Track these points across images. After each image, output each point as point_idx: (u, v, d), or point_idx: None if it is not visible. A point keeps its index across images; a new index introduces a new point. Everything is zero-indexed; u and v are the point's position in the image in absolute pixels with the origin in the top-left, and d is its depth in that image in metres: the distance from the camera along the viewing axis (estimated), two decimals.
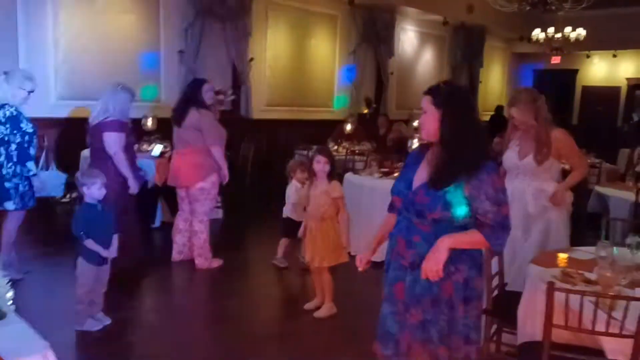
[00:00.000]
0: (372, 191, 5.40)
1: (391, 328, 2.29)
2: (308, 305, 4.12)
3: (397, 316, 2.26)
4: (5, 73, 4.24)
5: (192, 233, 4.99)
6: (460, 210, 2.11)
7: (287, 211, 4.99)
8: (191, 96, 4.85)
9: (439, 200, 2.11)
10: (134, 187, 4.50)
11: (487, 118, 13.68)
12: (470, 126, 2.15)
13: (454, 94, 2.17)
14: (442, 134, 2.14)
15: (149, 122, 6.86)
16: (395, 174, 5.75)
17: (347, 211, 3.92)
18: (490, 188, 2.08)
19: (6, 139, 4.13)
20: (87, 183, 3.57)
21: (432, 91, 2.18)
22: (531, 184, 3.54)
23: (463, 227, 2.14)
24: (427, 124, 2.19)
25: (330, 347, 3.64)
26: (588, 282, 2.54)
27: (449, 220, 2.12)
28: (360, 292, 4.49)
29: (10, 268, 4.39)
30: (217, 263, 5.05)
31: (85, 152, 6.29)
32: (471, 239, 2.14)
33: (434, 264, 2.08)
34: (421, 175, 2.23)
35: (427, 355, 2.22)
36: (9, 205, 4.22)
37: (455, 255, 2.14)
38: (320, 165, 3.80)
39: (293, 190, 4.87)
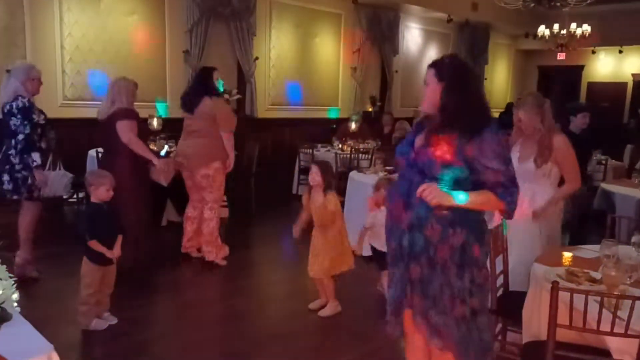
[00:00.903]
0: None
1: (401, 293, 2.31)
2: (313, 305, 4.13)
3: (403, 276, 2.29)
4: (8, 71, 4.28)
5: (201, 220, 5.03)
6: (461, 172, 2.13)
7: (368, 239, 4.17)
8: (203, 84, 4.87)
9: (438, 160, 2.14)
10: (159, 164, 4.54)
11: (492, 115, 13.61)
12: (472, 98, 2.18)
13: (456, 67, 2.21)
14: (442, 105, 2.18)
15: (155, 122, 6.88)
16: None
17: (343, 223, 3.99)
18: (497, 146, 2.12)
19: (17, 130, 4.16)
20: (94, 183, 3.58)
21: (436, 64, 2.23)
22: (530, 187, 3.55)
23: (463, 189, 2.15)
24: (428, 95, 2.24)
25: (337, 346, 3.64)
26: (593, 281, 2.53)
27: (449, 180, 2.14)
28: (366, 292, 4.50)
29: (27, 266, 4.42)
30: (223, 252, 5.08)
31: (92, 152, 6.33)
32: (486, 197, 2.15)
33: (436, 195, 2.10)
34: (422, 138, 2.28)
35: (422, 318, 2.25)
36: (18, 195, 4.26)
37: (455, 218, 2.15)
38: (312, 176, 3.87)
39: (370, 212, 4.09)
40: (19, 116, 4.13)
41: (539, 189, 3.52)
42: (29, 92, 4.26)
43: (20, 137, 4.16)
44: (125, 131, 4.38)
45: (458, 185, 2.14)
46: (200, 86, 4.90)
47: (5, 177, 4.23)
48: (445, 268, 2.18)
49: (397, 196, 2.28)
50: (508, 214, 2.21)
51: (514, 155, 3.63)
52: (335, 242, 3.93)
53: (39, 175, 4.28)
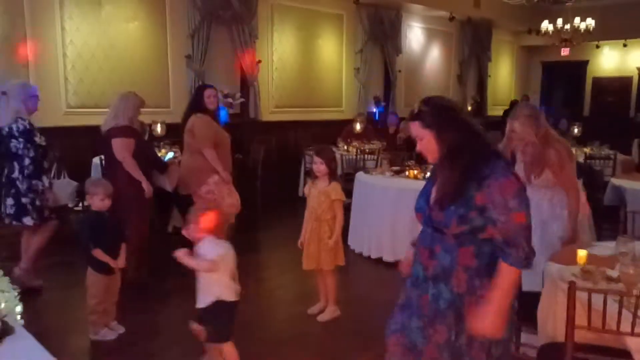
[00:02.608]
0: (384, 190, 5.35)
1: (417, 340, 2.18)
2: (312, 310, 4.06)
3: (424, 331, 2.15)
4: (4, 93, 4.19)
5: None
6: (478, 221, 1.99)
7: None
8: (194, 103, 4.96)
9: (452, 215, 2.00)
10: (148, 190, 4.51)
11: (496, 112, 13.57)
12: (468, 135, 2.04)
13: (437, 107, 2.08)
14: (442, 151, 2.06)
15: (158, 128, 6.86)
16: (407, 172, 5.70)
17: (342, 215, 3.85)
18: (498, 195, 1.94)
19: (20, 153, 4.09)
20: (90, 192, 3.57)
21: (418, 116, 2.10)
22: (546, 192, 3.50)
23: (487, 240, 2.01)
24: (427, 149, 2.10)
25: (345, 350, 3.59)
26: (610, 279, 2.46)
27: (469, 233, 2.01)
28: (373, 295, 4.44)
29: (28, 276, 4.38)
30: None
31: (96, 160, 6.30)
32: (501, 277, 1.97)
33: (493, 328, 1.97)
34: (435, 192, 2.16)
35: None
36: (27, 221, 4.18)
37: (480, 268, 2.03)
38: (317, 165, 3.80)
39: None
40: (20, 139, 4.07)
41: (555, 192, 3.49)
42: (30, 110, 4.20)
43: (27, 161, 4.10)
44: (120, 150, 4.39)
45: (477, 234, 2.02)
46: (189, 105, 5.03)
47: (9, 202, 4.15)
48: None
49: (422, 247, 2.18)
50: (523, 269, 2.01)
51: (519, 166, 3.58)
52: (325, 238, 3.81)
53: (50, 195, 4.26)
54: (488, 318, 1.96)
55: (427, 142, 2.08)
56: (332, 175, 3.81)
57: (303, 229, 3.95)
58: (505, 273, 1.97)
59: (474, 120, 2.12)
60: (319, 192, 3.80)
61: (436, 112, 2.07)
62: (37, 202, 4.19)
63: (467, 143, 2.03)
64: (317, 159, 3.80)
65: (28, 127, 4.10)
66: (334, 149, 8.02)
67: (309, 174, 7.81)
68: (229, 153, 5.08)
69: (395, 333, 2.25)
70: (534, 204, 3.44)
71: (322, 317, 3.97)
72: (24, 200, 4.14)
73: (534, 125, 3.45)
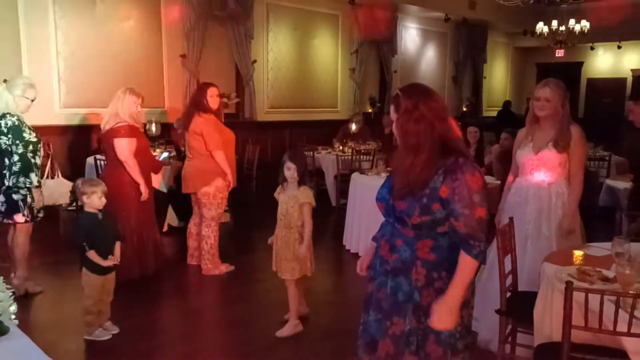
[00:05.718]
0: None
1: (375, 334, 2.19)
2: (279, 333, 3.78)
3: (381, 324, 2.17)
4: (5, 81, 4.16)
5: (200, 238, 4.97)
6: (439, 214, 2.00)
7: None
8: (196, 101, 4.86)
9: (416, 205, 2.01)
10: (145, 194, 4.50)
11: (491, 114, 13.63)
12: (425, 126, 2.00)
13: (408, 96, 2.06)
14: (399, 138, 2.08)
15: (153, 128, 6.84)
16: None
17: (311, 221, 3.63)
18: (464, 189, 1.95)
19: (9, 149, 4.06)
20: (87, 192, 3.52)
21: (394, 99, 2.12)
22: (545, 179, 3.46)
23: (444, 233, 2.03)
24: (395, 132, 2.12)
25: (341, 351, 3.58)
26: (606, 280, 2.46)
27: (429, 226, 2.02)
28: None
29: (27, 283, 4.33)
30: (225, 269, 5.01)
31: (90, 160, 6.28)
32: (463, 271, 1.98)
33: (446, 317, 1.98)
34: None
35: None
36: (19, 218, 4.11)
37: (437, 262, 2.04)
38: (290, 172, 3.59)
39: None
40: (9, 135, 4.01)
41: (553, 181, 3.43)
42: (19, 109, 4.12)
43: (15, 158, 4.03)
44: (123, 151, 4.39)
45: (437, 227, 2.02)
46: (193, 103, 4.91)
47: (0, 198, 4.08)
48: (430, 313, 2.06)
49: (383, 240, 2.20)
50: (482, 263, 2.04)
51: (527, 146, 3.51)
52: (295, 246, 3.66)
53: (38, 195, 4.20)
54: (443, 311, 1.98)
55: (394, 125, 2.11)
56: (302, 180, 3.64)
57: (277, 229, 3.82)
58: (467, 266, 1.99)
59: (444, 115, 2.06)
60: (288, 198, 3.66)
61: (405, 99, 2.06)
62: (29, 199, 4.15)
63: (420, 138, 2.01)
64: (290, 165, 3.57)
65: (17, 123, 4.04)
66: (330, 149, 8.07)
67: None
68: (234, 152, 5.07)
69: (360, 333, 2.28)
70: (532, 192, 3.46)
71: (281, 333, 3.73)
72: (15, 197, 4.09)
73: (562, 94, 3.42)
